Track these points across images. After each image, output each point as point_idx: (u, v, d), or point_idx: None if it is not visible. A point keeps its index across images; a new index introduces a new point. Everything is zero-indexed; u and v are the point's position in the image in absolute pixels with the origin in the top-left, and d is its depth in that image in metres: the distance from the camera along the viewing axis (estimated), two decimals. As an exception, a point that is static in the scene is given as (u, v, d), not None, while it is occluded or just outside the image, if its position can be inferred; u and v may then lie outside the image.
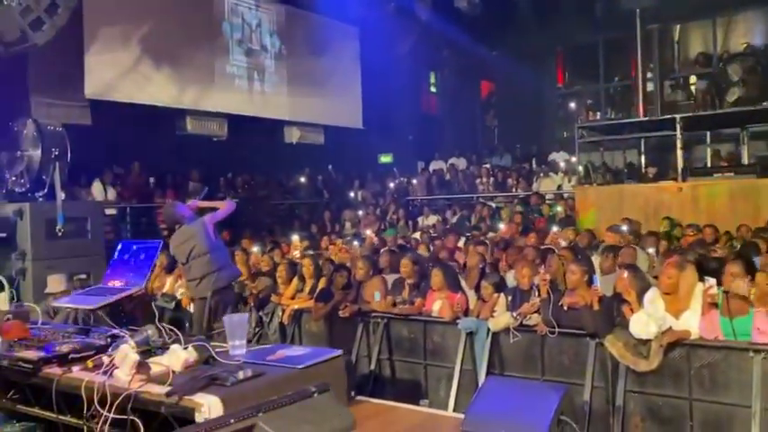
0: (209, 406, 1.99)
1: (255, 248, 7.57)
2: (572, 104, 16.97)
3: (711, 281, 4.45)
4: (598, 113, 15.00)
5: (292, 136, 13.84)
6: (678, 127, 10.36)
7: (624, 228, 8.06)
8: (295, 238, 7.95)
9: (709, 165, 11.52)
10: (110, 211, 10.45)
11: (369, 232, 9.45)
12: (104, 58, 10.24)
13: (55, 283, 5.80)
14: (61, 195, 6.69)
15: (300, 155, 14.42)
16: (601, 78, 15.99)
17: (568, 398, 4.13)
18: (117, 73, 10.49)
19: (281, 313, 6.54)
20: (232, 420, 1.72)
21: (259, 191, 13.71)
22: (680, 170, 10.45)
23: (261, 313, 6.73)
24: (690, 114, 10.74)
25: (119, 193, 11.23)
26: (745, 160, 11.29)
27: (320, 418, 1.83)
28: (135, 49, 10.69)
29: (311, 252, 7.50)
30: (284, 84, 13.41)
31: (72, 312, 5.28)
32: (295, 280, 6.70)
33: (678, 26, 14.49)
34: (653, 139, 12.45)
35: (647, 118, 11.55)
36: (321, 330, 6.28)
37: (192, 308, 6.03)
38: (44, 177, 6.76)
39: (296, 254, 6.98)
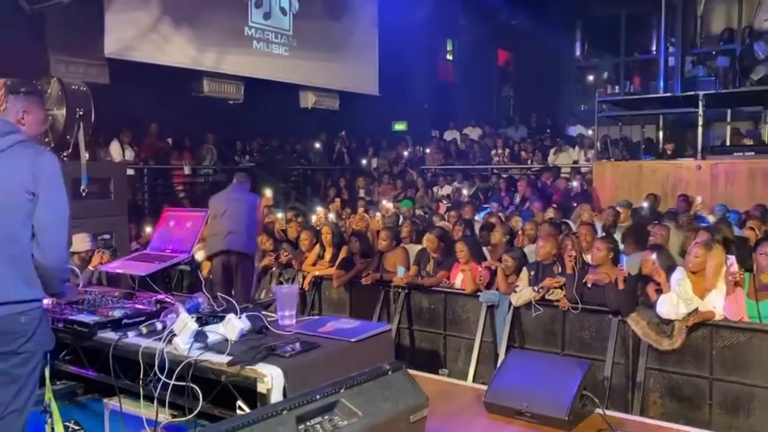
0: (271, 377, 2.05)
1: (280, 215, 7.63)
2: (590, 77, 16.75)
3: (731, 259, 4.49)
4: (617, 87, 14.80)
5: (308, 101, 13.74)
6: (701, 104, 10.26)
7: (645, 204, 8.05)
8: (320, 209, 8.00)
9: (728, 143, 11.41)
10: (128, 172, 10.50)
11: (385, 203, 9.46)
12: (124, 17, 10.15)
13: (80, 241, 5.85)
14: (85, 155, 6.72)
15: (315, 120, 14.37)
16: (621, 51, 15.75)
17: (591, 373, 4.21)
18: (136, 33, 10.40)
19: (301, 280, 6.63)
20: (318, 396, 1.77)
21: (274, 155, 13.72)
22: (699, 148, 10.39)
23: (281, 279, 6.83)
24: (713, 92, 10.61)
25: (136, 153, 11.25)
26: (766, 140, 11.20)
27: (396, 396, 1.88)
28: (155, 10, 10.58)
29: (333, 220, 7.55)
30: (301, 48, 13.27)
31: (96, 274, 5.41)
32: (317, 247, 6.77)
33: (703, 0, 14.20)
34: (671, 115, 12.35)
35: (669, 94, 11.41)
36: (342, 298, 6.37)
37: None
38: (68, 137, 6.79)
39: (319, 223, 7.04)
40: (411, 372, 4.98)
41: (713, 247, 4.55)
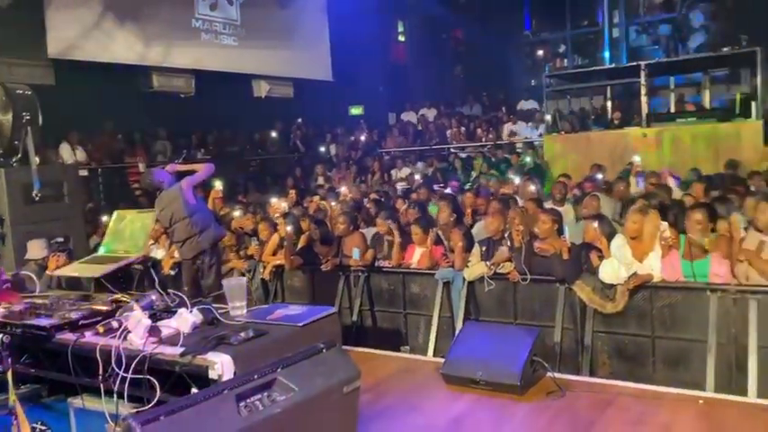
0: (221, 363, 2.19)
1: (237, 213, 7.68)
2: (540, 52, 17.02)
3: (664, 225, 4.75)
4: (565, 60, 15.11)
5: (261, 90, 13.75)
6: (643, 74, 10.59)
7: (600, 175, 8.34)
8: (274, 200, 8.05)
9: (672, 110, 11.81)
10: (81, 173, 10.39)
11: (344, 187, 9.58)
12: (65, 16, 10.02)
13: (35, 248, 5.84)
14: (35, 160, 6.67)
15: (270, 109, 14.36)
16: (567, 25, 16.03)
17: (540, 339, 4.43)
18: (79, 32, 10.28)
19: (262, 270, 6.72)
20: (256, 376, 1.92)
21: (230, 147, 13.68)
22: (644, 116, 10.74)
23: (242, 271, 6.90)
24: (654, 61, 10.96)
25: (88, 154, 11.12)
26: (707, 105, 11.61)
27: (330, 371, 2.05)
28: (96, 7, 10.46)
29: (289, 210, 7.63)
30: (251, 37, 13.23)
31: (55, 279, 5.41)
32: (275, 237, 6.86)
33: (643, -30, 14.57)
34: (618, 85, 12.69)
35: (612, 65, 11.73)
36: (304, 285, 6.49)
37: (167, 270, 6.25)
38: (16, 143, 6.72)
39: (276, 215, 7.10)
40: (374, 351, 5.24)
41: (649, 212, 4.80)
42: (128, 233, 3.26)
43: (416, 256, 6.01)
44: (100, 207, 9.28)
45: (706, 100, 11.88)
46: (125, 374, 2.32)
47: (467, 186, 10.01)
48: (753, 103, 9.97)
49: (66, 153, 10.65)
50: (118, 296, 3.04)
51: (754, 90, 10.42)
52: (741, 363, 4.32)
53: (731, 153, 9.42)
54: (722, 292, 4.42)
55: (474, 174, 11.50)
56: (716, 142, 9.80)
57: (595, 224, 4.96)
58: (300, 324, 2.52)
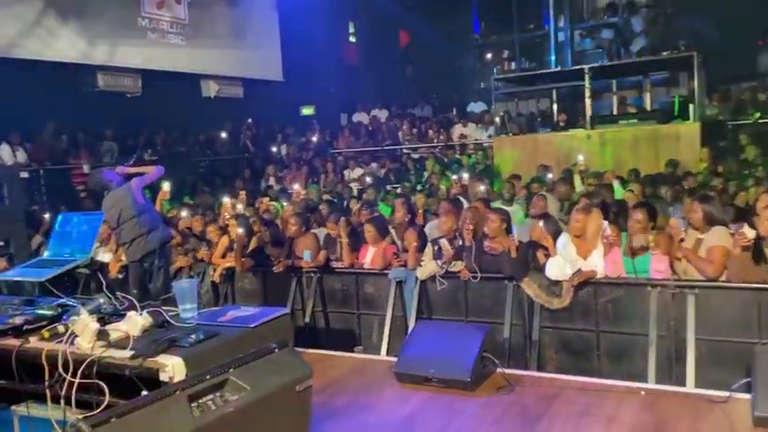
0: (172, 366, 2.17)
1: (184, 213, 7.56)
2: (488, 55, 17.27)
3: (605, 224, 4.93)
4: (513, 64, 15.39)
5: (210, 90, 13.51)
6: (587, 77, 10.90)
7: (550, 175, 8.55)
8: (225, 199, 7.96)
9: (615, 112, 12.18)
10: (22, 175, 10.06)
11: (297, 186, 9.53)
12: (4, 13, 9.66)
13: (-24, 252, 5.66)
14: (-27, 162, 6.45)
15: (220, 109, 14.16)
16: (515, 29, 16.30)
17: (490, 336, 4.53)
18: (19, 28, 9.93)
19: (212, 272, 6.65)
20: (208, 376, 1.92)
21: (178, 148, 13.45)
22: (588, 118, 11.06)
23: (192, 273, 6.81)
24: (597, 64, 11.29)
25: (30, 155, 10.77)
26: (648, 108, 12.03)
27: (282, 370, 2.06)
28: (38, 3, 10.12)
29: (241, 212, 7.56)
30: (199, 36, 13.01)
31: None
32: (225, 239, 6.79)
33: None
34: (564, 88, 13.01)
35: (558, 68, 12.03)
36: (255, 287, 6.45)
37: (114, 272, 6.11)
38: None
39: (226, 216, 7.03)
40: (327, 352, 5.25)
41: (592, 211, 4.97)
42: (74, 236, 3.19)
43: (369, 256, 6.05)
44: (42, 209, 9.00)
45: (647, 102, 12.30)
46: (72, 379, 2.28)
47: (418, 187, 10.13)
48: (690, 106, 10.38)
49: (6, 154, 10.29)
50: (63, 300, 2.98)
51: (691, 93, 10.86)
52: (680, 355, 4.51)
53: (671, 154, 9.79)
54: (662, 287, 4.61)
55: (426, 174, 11.62)
56: (656, 143, 10.17)
57: (541, 223, 5.11)
58: (252, 325, 2.52)
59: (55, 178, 11.06)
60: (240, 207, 7.71)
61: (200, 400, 1.91)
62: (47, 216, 8.03)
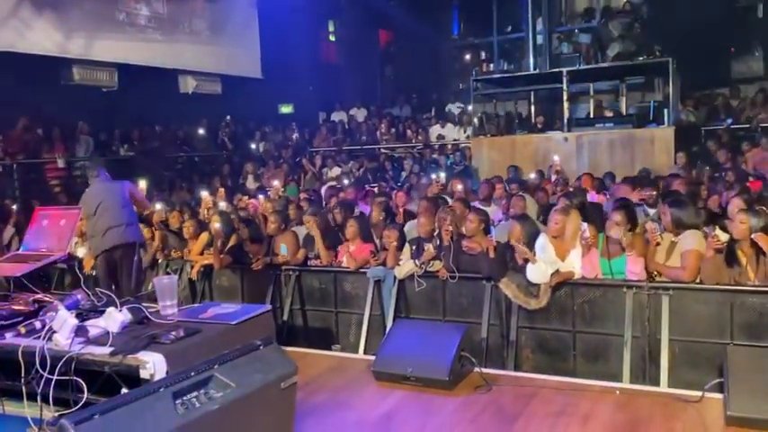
0: (153, 363, 2.15)
1: (158, 206, 7.47)
2: (467, 56, 17.35)
3: (584, 225, 4.99)
4: (492, 65, 15.50)
5: (187, 86, 13.38)
6: (564, 80, 11.03)
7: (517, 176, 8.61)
8: (205, 194, 7.88)
9: (592, 115, 12.34)
10: (-6, 168, 9.90)
11: (276, 183, 9.48)
12: (-23, 3, 9.47)
13: (-53, 247, 5.55)
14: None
15: (198, 106, 14.02)
16: (494, 30, 16.41)
17: (468, 335, 4.55)
18: (-7, 19, 9.74)
19: (189, 269, 6.59)
20: (193, 373, 1.90)
21: (155, 144, 13.28)
22: (565, 121, 11.20)
23: (168, 270, 6.75)
24: (575, 68, 11.43)
25: (2, 148, 10.56)
26: (624, 111, 12.20)
27: (267, 367, 2.05)
28: (12, -7, 9.93)
29: (222, 208, 7.51)
30: (177, 31, 12.89)
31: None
32: (203, 235, 6.74)
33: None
34: (542, 91, 13.15)
35: (536, 71, 12.15)
36: (233, 284, 6.41)
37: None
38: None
39: (205, 212, 6.97)
40: (305, 350, 5.24)
41: (570, 212, 5.02)
42: (51, 230, 3.14)
43: (346, 253, 6.04)
44: (16, 204, 8.84)
45: (623, 106, 12.48)
46: (50, 376, 2.24)
47: (396, 186, 10.15)
48: (665, 110, 10.56)
49: (-22, 147, 10.09)
50: (39, 296, 2.93)
51: (666, 98, 11.04)
52: (654, 355, 4.58)
53: (646, 157, 9.95)
54: (637, 288, 4.67)
55: (404, 174, 11.65)
56: (632, 147, 10.33)
57: (518, 225, 5.14)
58: (234, 322, 2.50)
59: (28, 172, 10.86)
60: (223, 204, 7.64)
61: (185, 398, 1.89)
62: (14, 207, 7.90)
